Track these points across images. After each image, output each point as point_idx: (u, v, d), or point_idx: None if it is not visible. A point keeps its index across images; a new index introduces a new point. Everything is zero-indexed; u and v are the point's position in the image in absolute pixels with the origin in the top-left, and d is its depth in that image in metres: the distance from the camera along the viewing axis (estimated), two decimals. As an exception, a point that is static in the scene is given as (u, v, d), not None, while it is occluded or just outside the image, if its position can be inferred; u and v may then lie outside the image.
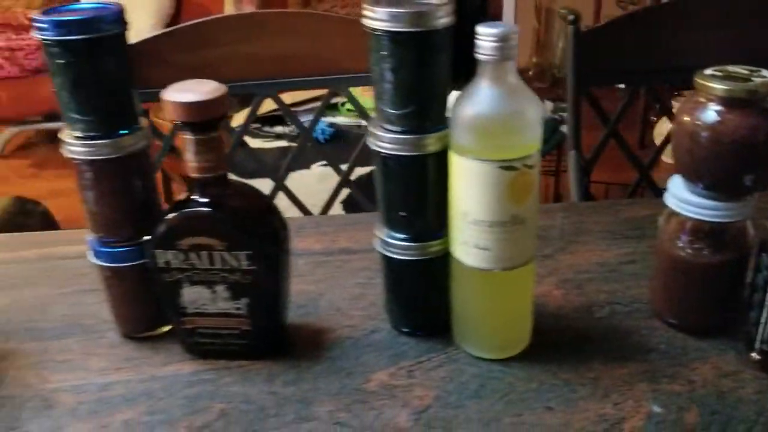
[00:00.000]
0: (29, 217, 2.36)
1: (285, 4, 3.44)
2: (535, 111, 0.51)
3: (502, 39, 0.48)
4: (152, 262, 0.56)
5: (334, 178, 1.11)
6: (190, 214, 0.55)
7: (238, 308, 0.57)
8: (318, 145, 1.86)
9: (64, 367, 0.60)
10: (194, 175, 0.54)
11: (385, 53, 0.52)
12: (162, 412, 0.55)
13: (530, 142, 0.51)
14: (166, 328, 0.63)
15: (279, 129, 1.97)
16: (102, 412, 0.55)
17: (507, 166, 0.50)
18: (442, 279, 0.59)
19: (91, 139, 0.55)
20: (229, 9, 3.19)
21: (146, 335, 0.63)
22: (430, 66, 0.52)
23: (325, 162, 1.20)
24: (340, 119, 1.90)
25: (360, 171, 1.76)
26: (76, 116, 0.55)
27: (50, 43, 0.52)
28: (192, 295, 0.57)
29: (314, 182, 1.66)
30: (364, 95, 1.94)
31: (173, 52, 0.95)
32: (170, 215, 0.55)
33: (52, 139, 3.37)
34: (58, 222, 2.46)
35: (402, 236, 0.58)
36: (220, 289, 0.56)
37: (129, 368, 0.60)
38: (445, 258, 0.58)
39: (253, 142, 1.94)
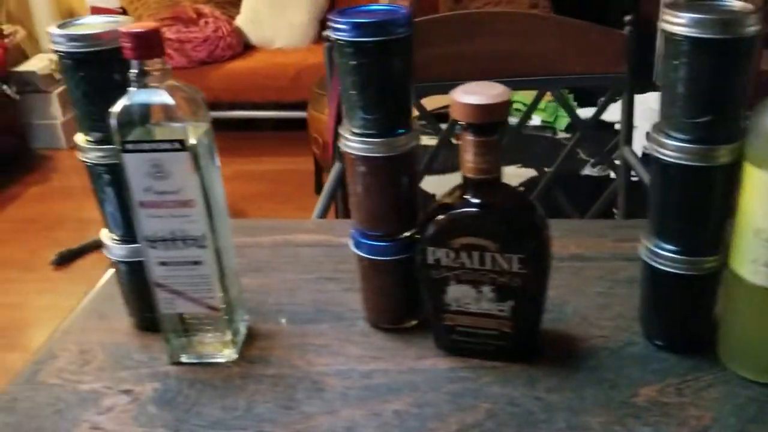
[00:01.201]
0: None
1: (436, 5, 3.44)
2: None
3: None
4: (422, 258, 0.57)
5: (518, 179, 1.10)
6: (465, 214, 0.55)
7: (501, 310, 0.57)
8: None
9: (324, 351, 0.63)
10: (469, 175, 0.54)
11: (684, 60, 0.50)
12: (429, 405, 0.56)
13: None
14: (414, 322, 0.65)
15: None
16: (371, 399, 0.57)
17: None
18: (710, 296, 0.57)
19: (369, 137, 0.57)
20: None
21: (394, 327, 0.65)
22: (733, 75, 0.50)
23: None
24: (510, 119, 1.88)
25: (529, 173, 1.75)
26: (361, 114, 0.57)
27: (344, 43, 0.54)
28: (456, 293, 0.58)
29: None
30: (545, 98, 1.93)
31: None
32: (445, 214, 0.56)
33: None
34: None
35: (673, 248, 0.56)
36: (487, 289, 0.57)
37: (386, 358, 0.61)
38: (716, 275, 0.56)
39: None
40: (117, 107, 0.53)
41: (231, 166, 3.16)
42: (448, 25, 0.97)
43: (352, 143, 0.58)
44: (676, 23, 0.50)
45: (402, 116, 0.58)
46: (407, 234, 0.61)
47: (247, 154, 3.19)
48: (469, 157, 0.54)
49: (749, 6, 0.50)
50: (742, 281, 0.53)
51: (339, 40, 0.55)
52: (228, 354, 0.62)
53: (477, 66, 0.97)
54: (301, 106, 2.83)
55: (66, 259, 2.45)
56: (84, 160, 0.60)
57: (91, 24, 0.58)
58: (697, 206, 0.54)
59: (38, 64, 3.35)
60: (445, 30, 0.96)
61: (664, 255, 0.56)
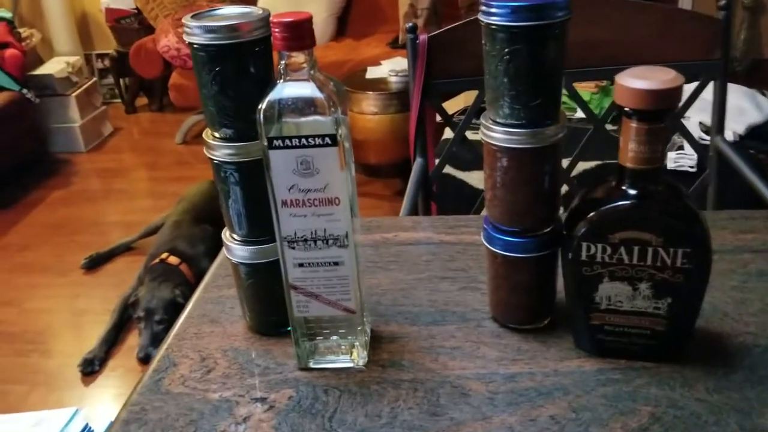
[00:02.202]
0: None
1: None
2: None
3: None
4: (574, 254, 0.55)
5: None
6: (626, 206, 0.53)
7: (656, 308, 0.55)
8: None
9: (458, 354, 0.60)
10: (629, 165, 0.52)
11: None
12: (585, 409, 0.53)
13: None
14: (546, 321, 0.62)
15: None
16: (522, 404, 0.54)
17: None
18: None
19: (516, 128, 0.55)
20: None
21: (527, 327, 0.62)
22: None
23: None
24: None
25: (583, 165, 1.72)
26: (509, 103, 0.54)
27: (498, 28, 0.52)
28: (609, 291, 0.55)
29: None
30: (581, 89, 1.89)
31: (469, 42, 0.94)
32: (601, 207, 0.53)
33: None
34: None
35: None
36: (644, 286, 0.54)
37: (526, 360, 0.59)
38: None
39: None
40: (264, 102, 0.50)
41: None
42: None
43: (495, 134, 0.55)
44: None
45: (553, 106, 0.55)
46: (546, 230, 0.58)
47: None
48: (632, 146, 0.51)
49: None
50: None
51: (491, 24, 0.52)
52: (358, 358, 0.59)
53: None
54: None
55: (96, 263, 2.43)
56: (211, 157, 0.58)
57: (226, 15, 0.55)
58: None
59: (55, 67, 3.32)
60: None
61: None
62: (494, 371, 0.58)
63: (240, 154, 0.56)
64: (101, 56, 3.89)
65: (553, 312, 0.62)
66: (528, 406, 0.54)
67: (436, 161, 1.13)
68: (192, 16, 0.54)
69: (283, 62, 0.50)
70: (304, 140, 0.51)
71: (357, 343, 0.59)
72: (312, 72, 0.51)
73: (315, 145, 0.51)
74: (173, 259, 2.09)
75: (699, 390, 0.54)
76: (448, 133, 1.96)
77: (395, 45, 3.21)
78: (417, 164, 1.03)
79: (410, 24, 0.92)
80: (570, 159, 1.60)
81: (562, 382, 0.56)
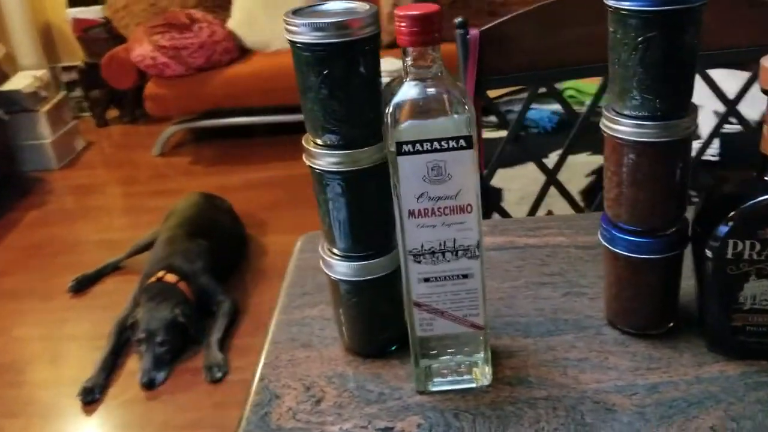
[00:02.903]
0: (219, 211, 2.41)
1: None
2: None
3: None
4: (718, 253, 0.51)
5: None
6: (782, 198, 0.49)
7: (807, 303, 0.52)
8: (546, 134, 1.80)
9: (587, 366, 0.56)
10: (776, 153, 0.48)
11: None
12: (745, 417, 0.50)
13: None
14: (671, 325, 0.58)
15: (493, 119, 1.91)
16: (675, 416, 0.50)
17: None
18: None
19: (648, 120, 0.51)
20: None
21: (652, 332, 0.58)
22: None
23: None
24: (558, 107, 1.83)
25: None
26: (639, 94, 0.50)
27: (629, 13, 0.48)
28: (755, 290, 0.52)
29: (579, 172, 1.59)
30: (586, 82, 1.87)
31: (522, 37, 0.91)
32: (749, 202, 0.50)
33: (205, 137, 3.46)
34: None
35: None
36: (795, 282, 0.51)
37: (662, 369, 0.55)
38: None
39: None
40: (391, 103, 0.45)
41: (240, 175, 3.06)
42: (584, 7, 0.90)
43: (623, 127, 0.51)
44: None
45: (687, 96, 0.51)
46: (673, 229, 0.54)
47: (254, 161, 3.08)
48: (784, 134, 0.47)
49: None
50: None
51: (622, 9, 0.48)
52: (482, 377, 0.55)
53: (572, 54, 0.91)
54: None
55: (83, 285, 2.32)
56: (313, 166, 0.52)
57: (331, 11, 0.49)
58: None
59: (22, 82, 3.18)
60: (579, 12, 0.90)
61: None
62: (632, 382, 0.54)
63: (346, 162, 0.51)
64: (68, 69, 3.75)
65: (677, 316, 0.58)
66: (682, 418, 0.50)
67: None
68: (293, 13, 0.49)
69: (408, 59, 0.45)
70: (437, 144, 0.46)
71: (479, 361, 0.54)
72: (440, 69, 0.46)
73: (449, 149, 0.46)
74: (170, 277, 2.00)
75: None
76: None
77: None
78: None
79: (460, 19, 0.88)
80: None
81: (709, 389, 0.52)
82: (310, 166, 0.53)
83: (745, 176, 0.52)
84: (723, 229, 0.50)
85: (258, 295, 2.16)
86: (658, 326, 0.58)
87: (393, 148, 0.46)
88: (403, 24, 0.44)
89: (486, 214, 1.01)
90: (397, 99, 0.46)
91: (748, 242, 0.50)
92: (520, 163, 1.53)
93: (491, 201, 1.69)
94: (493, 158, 1.02)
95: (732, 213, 0.50)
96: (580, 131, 1.01)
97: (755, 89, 1.06)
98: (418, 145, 0.46)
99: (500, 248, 0.73)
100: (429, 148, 0.46)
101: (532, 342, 0.59)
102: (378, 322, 0.57)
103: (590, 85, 1.84)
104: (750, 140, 1.18)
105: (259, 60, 3.10)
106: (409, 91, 0.46)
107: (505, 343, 0.59)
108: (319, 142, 0.52)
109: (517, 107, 1.96)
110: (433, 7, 0.44)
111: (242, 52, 3.16)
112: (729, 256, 0.51)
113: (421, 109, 0.46)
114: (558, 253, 0.71)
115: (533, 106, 1.98)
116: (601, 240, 0.57)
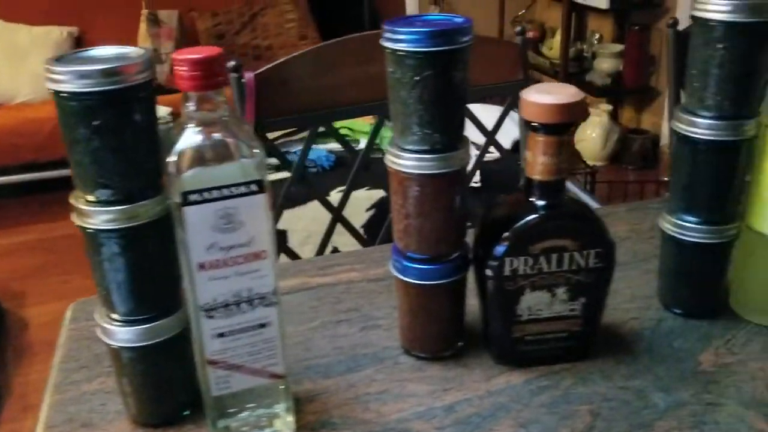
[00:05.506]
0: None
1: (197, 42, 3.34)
2: None
3: None
4: (497, 271, 0.55)
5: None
6: (544, 217, 0.54)
7: (572, 309, 0.57)
8: (325, 172, 1.83)
9: (387, 397, 0.57)
10: (539, 177, 0.54)
11: (720, 44, 0.55)
12: (533, 422, 0.54)
13: None
14: (461, 344, 0.62)
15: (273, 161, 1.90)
16: (475, 432, 0.53)
17: None
18: (729, 260, 0.63)
19: (427, 153, 0.54)
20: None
21: (443, 354, 0.61)
22: (762, 54, 0.55)
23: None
24: (333, 146, 1.87)
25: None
26: (420, 130, 0.53)
27: (406, 54, 0.51)
28: (530, 302, 0.57)
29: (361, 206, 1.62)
30: (358, 121, 1.94)
31: (298, 79, 0.92)
32: (520, 222, 0.54)
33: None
34: None
35: (699, 219, 0.61)
36: (560, 291, 0.56)
37: (456, 388, 0.57)
38: (735, 240, 0.62)
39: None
40: (173, 152, 0.43)
41: (-8, 241, 2.71)
42: (352, 50, 0.95)
43: (405, 161, 0.54)
44: (711, 9, 0.54)
45: (461, 130, 0.55)
46: (457, 254, 0.58)
47: (3, 225, 2.76)
48: (541, 159, 0.53)
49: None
50: (765, 238, 0.60)
51: (399, 51, 0.50)
52: (285, 427, 0.53)
53: (347, 94, 0.96)
54: (63, 163, 2.54)
55: None
56: (84, 225, 0.48)
57: (98, 57, 0.46)
58: (726, 178, 0.59)
59: None
60: (348, 54, 0.93)
61: (690, 227, 0.61)
62: (431, 406, 0.56)
63: (124, 218, 0.47)
64: None
65: (465, 335, 0.62)
66: (480, 432, 0.53)
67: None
68: (56, 60, 0.44)
69: (191, 104, 0.44)
70: (225, 191, 0.44)
71: (281, 411, 0.53)
72: (225, 113, 0.45)
73: (239, 195, 0.44)
74: None
75: (617, 379, 0.58)
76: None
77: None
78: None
79: (233, 63, 0.87)
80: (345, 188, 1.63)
81: (498, 400, 0.56)
82: (81, 226, 0.48)
83: (515, 199, 0.57)
84: (500, 249, 0.55)
85: (23, 375, 1.92)
86: (450, 347, 0.61)
87: (178, 199, 0.44)
88: (183, 68, 0.43)
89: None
90: (179, 146, 0.44)
91: (522, 258, 0.55)
92: (302, 204, 1.55)
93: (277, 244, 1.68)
94: (278, 200, 1.02)
95: (506, 233, 0.55)
96: (360, 167, 1.05)
97: (507, 121, 1.20)
98: (205, 193, 0.44)
99: (294, 291, 0.72)
100: (217, 195, 0.44)
101: (333, 382, 0.59)
102: (168, 388, 0.53)
103: (362, 123, 1.92)
104: (504, 166, 1.32)
105: (3, 115, 2.81)
106: (192, 137, 0.44)
107: (306, 388, 0.58)
108: (91, 198, 0.47)
109: (294, 148, 1.99)
110: (214, 51, 0.43)
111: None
112: (506, 273, 0.55)
113: (207, 155, 0.45)
114: (352, 289, 0.72)
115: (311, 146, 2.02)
116: (393, 271, 0.59)
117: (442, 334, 0.60)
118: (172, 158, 0.43)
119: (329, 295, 0.71)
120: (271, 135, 1.64)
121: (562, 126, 0.52)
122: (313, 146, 1.89)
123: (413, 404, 0.56)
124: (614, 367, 0.59)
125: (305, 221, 1.54)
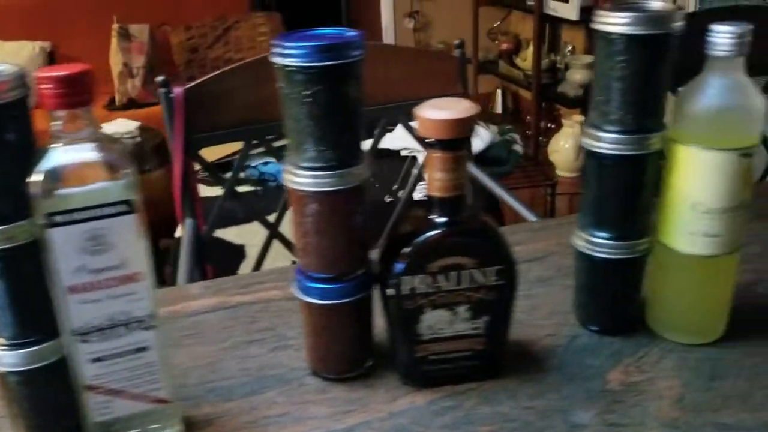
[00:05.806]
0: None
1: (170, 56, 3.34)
2: (764, 103, 0.55)
3: (740, 36, 0.53)
4: (395, 291, 0.54)
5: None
6: (442, 235, 0.53)
7: (475, 328, 0.56)
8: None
9: (287, 420, 0.55)
10: (438, 194, 0.53)
11: (621, 57, 0.54)
12: (433, 444, 0.52)
13: (759, 131, 0.56)
14: (370, 363, 0.61)
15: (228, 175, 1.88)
16: (370, 456, 0.52)
17: (745, 153, 0.54)
18: (641, 276, 0.62)
19: (324, 170, 0.53)
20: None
21: (350, 375, 0.60)
22: (662, 66, 0.55)
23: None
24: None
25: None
26: (314, 147, 0.52)
27: (296, 69, 0.50)
28: (431, 320, 0.55)
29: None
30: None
31: (230, 94, 0.91)
32: (416, 240, 0.53)
33: None
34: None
35: (610, 235, 0.60)
36: (462, 309, 0.55)
37: (359, 410, 0.56)
38: (647, 256, 0.61)
39: (207, 191, 1.81)
40: (37, 172, 0.42)
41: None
42: (251, 72, 0.93)
43: (301, 179, 0.53)
44: (612, 23, 0.54)
45: (357, 145, 0.54)
46: (361, 272, 0.57)
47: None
48: (439, 176, 0.52)
49: (672, 5, 0.56)
50: (677, 254, 0.59)
51: (288, 66, 0.50)
52: (179, 452, 0.52)
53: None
54: None
55: None
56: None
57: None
58: (635, 193, 0.59)
59: None
60: (247, 76, 0.92)
61: (601, 243, 0.60)
62: (331, 429, 0.54)
63: (0, 240, 0.46)
64: None
65: (373, 354, 0.61)
66: (376, 456, 0.52)
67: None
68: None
69: (57, 123, 0.43)
70: (93, 211, 0.43)
71: (174, 435, 0.52)
72: (93, 132, 0.43)
73: (107, 215, 0.43)
74: None
75: (523, 399, 0.57)
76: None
77: (113, 107, 3.02)
78: (188, 225, 0.95)
79: (162, 78, 0.86)
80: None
81: (399, 422, 0.55)
82: (-53, 252, 0.47)
83: (419, 215, 0.56)
84: (399, 267, 0.54)
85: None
86: (357, 368, 0.60)
87: (43, 221, 0.43)
88: (47, 86, 0.41)
89: (203, 275, 0.99)
90: (45, 166, 0.43)
91: (420, 277, 0.54)
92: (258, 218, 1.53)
93: (233, 259, 1.66)
94: (214, 219, 1.01)
95: (404, 250, 0.54)
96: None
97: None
98: (71, 214, 0.43)
99: (212, 310, 0.71)
100: (84, 216, 0.43)
101: (235, 405, 0.57)
102: (54, 412, 0.52)
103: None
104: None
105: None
106: (59, 156, 0.43)
107: (205, 412, 0.57)
108: (-36, 223, 0.46)
109: (255, 162, 1.98)
110: (79, 67, 0.42)
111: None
112: (405, 292, 0.54)
113: (74, 175, 0.44)
114: (270, 308, 0.71)
115: (269, 159, 2.00)
116: (295, 291, 0.58)
117: (347, 354, 0.59)
118: (36, 178, 0.42)
119: (246, 315, 0.70)
120: (229, 150, 1.64)
121: (457, 141, 0.51)
122: (272, 160, 1.90)
123: (312, 427, 0.55)
124: (521, 386, 0.58)
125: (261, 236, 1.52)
